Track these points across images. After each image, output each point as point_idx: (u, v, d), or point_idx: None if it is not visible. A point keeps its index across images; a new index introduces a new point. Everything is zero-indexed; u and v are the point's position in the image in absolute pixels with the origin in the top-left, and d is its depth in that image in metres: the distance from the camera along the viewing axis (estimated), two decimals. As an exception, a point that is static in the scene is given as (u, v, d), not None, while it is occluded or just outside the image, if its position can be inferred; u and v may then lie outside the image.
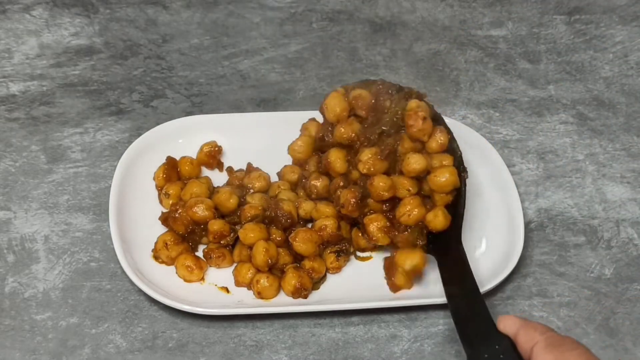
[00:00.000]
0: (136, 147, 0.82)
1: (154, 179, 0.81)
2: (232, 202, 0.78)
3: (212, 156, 0.83)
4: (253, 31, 1.01)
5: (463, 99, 0.95)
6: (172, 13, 1.02)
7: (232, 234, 0.76)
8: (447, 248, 0.73)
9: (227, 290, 0.75)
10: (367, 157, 0.75)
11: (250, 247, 0.75)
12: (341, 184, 0.78)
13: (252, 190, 0.80)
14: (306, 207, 0.78)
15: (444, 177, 0.73)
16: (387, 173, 0.75)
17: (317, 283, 0.76)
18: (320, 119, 0.82)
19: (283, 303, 0.74)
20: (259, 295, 0.74)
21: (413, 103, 0.76)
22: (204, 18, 1.02)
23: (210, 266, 0.76)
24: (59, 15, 1.01)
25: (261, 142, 0.84)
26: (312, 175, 0.80)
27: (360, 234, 0.77)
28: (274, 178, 0.83)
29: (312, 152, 0.81)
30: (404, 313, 0.75)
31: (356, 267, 0.78)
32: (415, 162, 0.74)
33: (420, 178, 0.75)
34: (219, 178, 0.83)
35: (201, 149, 0.83)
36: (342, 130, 0.77)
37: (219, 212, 0.78)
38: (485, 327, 0.63)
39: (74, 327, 0.73)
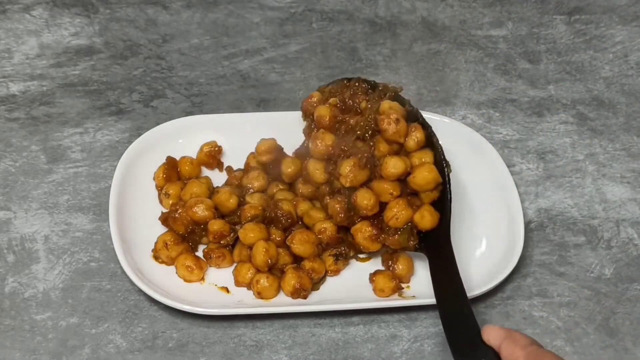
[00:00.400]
0: (136, 147, 0.82)
1: (154, 179, 0.81)
2: (232, 202, 0.78)
3: (212, 156, 0.83)
4: (253, 31, 1.01)
5: (463, 99, 0.95)
6: (172, 13, 1.02)
7: (232, 234, 0.76)
8: (436, 246, 0.73)
9: (227, 290, 0.75)
10: (347, 170, 0.74)
11: (250, 247, 0.75)
12: (327, 189, 0.77)
13: (251, 190, 0.80)
14: (303, 207, 0.78)
15: (422, 177, 0.73)
16: (370, 179, 0.75)
17: (316, 284, 0.76)
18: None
19: (283, 303, 0.74)
20: (259, 295, 0.74)
21: (385, 104, 0.76)
22: (204, 18, 1.02)
23: (210, 266, 0.76)
24: (59, 15, 1.01)
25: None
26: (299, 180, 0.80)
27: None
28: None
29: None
30: (404, 313, 0.75)
31: (356, 268, 0.78)
32: (393, 167, 0.73)
33: (402, 180, 0.75)
34: (219, 178, 0.83)
35: (201, 149, 0.83)
36: (318, 144, 0.76)
37: (219, 212, 0.78)
38: (472, 337, 0.63)
39: (74, 327, 0.73)
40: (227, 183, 0.82)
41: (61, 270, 0.77)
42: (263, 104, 0.93)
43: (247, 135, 0.84)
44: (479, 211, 0.81)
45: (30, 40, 0.98)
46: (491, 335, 0.61)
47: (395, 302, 0.73)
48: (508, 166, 0.84)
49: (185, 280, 0.75)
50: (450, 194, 0.74)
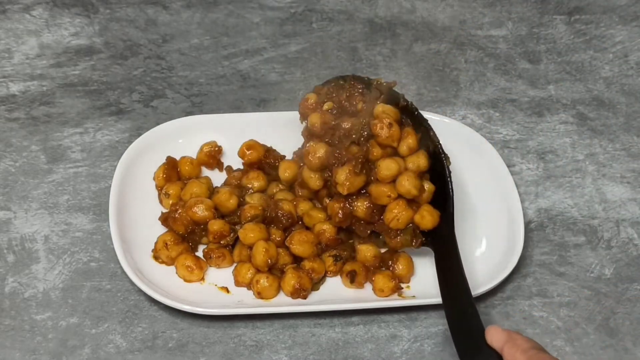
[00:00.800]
0: (136, 147, 0.82)
1: (154, 179, 0.81)
2: (232, 202, 0.78)
3: (212, 156, 0.83)
4: (253, 31, 1.01)
5: (463, 99, 0.95)
6: (172, 13, 1.02)
7: (232, 234, 0.76)
8: (441, 239, 0.73)
9: (227, 290, 0.75)
10: (344, 178, 0.74)
11: (250, 247, 0.75)
12: (326, 192, 0.78)
13: (251, 190, 0.80)
14: (303, 207, 0.78)
15: (403, 187, 0.73)
16: (367, 183, 0.75)
17: (316, 284, 0.76)
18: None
19: (283, 303, 0.74)
20: (259, 295, 0.74)
21: (379, 108, 0.76)
22: (204, 18, 1.02)
23: (210, 266, 0.76)
24: (59, 15, 1.01)
25: (261, 142, 0.83)
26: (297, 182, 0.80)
27: (362, 248, 0.76)
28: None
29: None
30: (404, 313, 0.75)
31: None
32: (386, 169, 0.73)
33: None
34: (219, 178, 0.83)
35: (201, 149, 0.83)
36: (311, 159, 0.76)
37: (219, 212, 0.78)
38: (476, 337, 0.63)
39: (74, 327, 0.73)
40: (226, 183, 0.82)
41: (61, 270, 0.77)
42: (263, 104, 0.93)
43: (247, 135, 0.84)
44: (479, 211, 0.81)
45: (30, 40, 0.98)
46: (494, 337, 0.61)
47: (395, 302, 0.74)
48: (508, 166, 0.84)
49: (185, 280, 0.75)
50: (452, 186, 0.74)
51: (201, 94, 0.93)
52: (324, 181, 0.77)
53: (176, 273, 0.76)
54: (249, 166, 0.82)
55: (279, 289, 0.74)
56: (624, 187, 0.87)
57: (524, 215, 0.80)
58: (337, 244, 0.76)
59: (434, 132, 0.76)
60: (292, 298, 0.74)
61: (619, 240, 0.82)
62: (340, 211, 0.75)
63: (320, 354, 0.72)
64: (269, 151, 0.83)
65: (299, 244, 0.75)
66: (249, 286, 0.75)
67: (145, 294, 0.73)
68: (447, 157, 0.75)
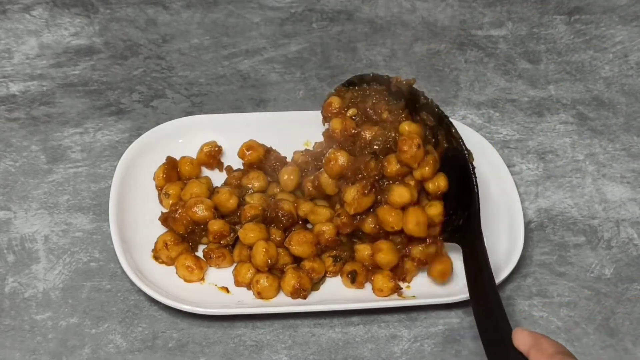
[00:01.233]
0: (136, 147, 0.82)
1: (154, 179, 0.81)
2: (232, 202, 0.78)
3: (212, 156, 0.83)
4: (253, 31, 1.01)
5: (463, 99, 0.95)
6: (172, 13, 1.02)
7: (232, 234, 0.76)
8: (469, 237, 0.73)
9: (227, 290, 0.75)
10: (352, 197, 0.74)
11: (250, 247, 0.75)
12: (337, 197, 0.78)
13: (251, 190, 0.80)
14: (305, 207, 0.78)
15: (407, 227, 0.73)
16: (375, 202, 0.75)
17: (316, 284, 0.76)
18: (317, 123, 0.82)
19: (283, 303, 0.74)
20: (259, 295, 0.74)
21: (405, 125, 0.76)
22: (204, 18, 1.02)
23: (210, 266, 0.76)
24: (59, 15, 1.01)
25: (261, 142, 0.83)
26: (306, 177, 0.80)
27: (365, 252, 0.77)
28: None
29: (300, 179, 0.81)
30: (404, 313, 0.75)
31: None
32: (398, 196, 0.74)
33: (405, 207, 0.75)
34: (219, 178, 0.83)
35: (201, 149, 0.83)
36: (332, 167, 0.76)
37: (219, 212, 0.78)
38: (503, 339, 0.62)
39: (74, 327, 0.73)
40: (226, 183, 0.82)
41: (61, 270, 0.77)
42: (263, 104, 0.93)
43: (247, 135, 0.84)
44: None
45: (30, 40, 0.98)
46: (520, 341, 0.60)
47: (395, 302, 0.74)
48: (508, 166, 0.84)
49: (185, 280, 0.75)
50: (477, 183, 0.74)
51: (201, 94, 0.93)
52: (338, 189, 0.77)
53: (176, 273, 0.76)
54: (249, 166, 0.82)
55: (279, 289, 0.74)
56: (624, 187, 0.87)
57: (524, 215, 0.80)
58: (337, 244, 0.76)
59: (455, 130, 0.76)
60: (292, 298, 0.74)
61: (619, 240, 0.82)
62: (346, 221, 0.75)
63: (320, 354, 0.72)
64: (268, 151, 0.83)
65: (298, 244, 0.75)
66: (249, 286, 0.75)
67: (145, 294, 0.73)
68: (470, 154, 0.75)
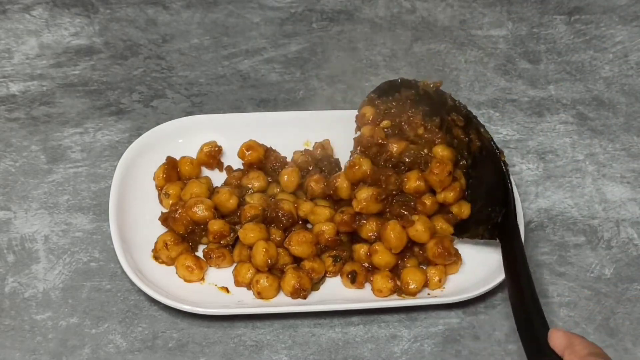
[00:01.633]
0: (136, 147, 0.82)
1: (154, 179, 0.81)
2: (232, 202, 0.78)
3: (212, 156, 0.83)
4: (253, 31, 1.01)
5: (463, 99, 0.95)
6: (172, 13, 1.02)
7: (232, 234, 0.76)
8: (508, 233, 0.73)
9: (227, 290, 0.75)
10: (363, 197, 0.75)
11: (250, 247, 0.75)
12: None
13: (251, 190, 0.80)
14: (305, 207, 0.78)
15: (415, 234, 0.75)
16: (380, 212, 0.76)
17: (316, 284, 0.76)
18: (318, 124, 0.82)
19: (283, 303, 0.74)
20: (259, 295, 0.74)
21: (438, 149, 0.77)
22: (204, 18, 1.02)
23: (210, 266, 0.76)
24: (59, 15, 1.01)
25: (261, 142, 0.83)
26: (310, 177, 0.80)
27: (361, 250, 0.77)
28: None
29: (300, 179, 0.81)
30: (404, 313, 0.75)
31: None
32: (414, 230, 0.74)
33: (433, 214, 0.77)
34: (219, 178, 0.83)
35: (201, 149, 0.83)
36: (354, 171, 0.76)
37: (219, 212, 0.78)
38: (541, 339, 0.62)
39: (74, 327, 0.73)
40: (226, 183, 0.82)
41: (61, 270, 0.77)
42: (263, 104, 0.93)
43: (247, 135, 0.84)
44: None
45: (30, 40, 0.98)
46: (555, 342, 0.61)
47: (395, 302, 0.73)
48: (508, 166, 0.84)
49: (185, 280, 0.75)
50: (511, 179, 0.74)
51: (201, 94, 0.93)
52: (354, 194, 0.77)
53: (176, 273, 0.76)
54: (249, 166, 0.82)
55: (279, 289, 0.74)
56: (624, 187, 0.87)
57: (524, 215, 0.80)
58: (337, 244, 0.76)
59: (485, 129, 0.76)
60: (292, 298, 0.74)
61: (619, 240, 0.82)
62: (347, 219, 0.75)
63: (320, 354, 0.72)
64: (268, 151, 0.83)
65: (298, 244, 0.75)
66: (249, 286, 0.75)
67: (145, 294, 0.73)
68: (501, 152, 0.75)
